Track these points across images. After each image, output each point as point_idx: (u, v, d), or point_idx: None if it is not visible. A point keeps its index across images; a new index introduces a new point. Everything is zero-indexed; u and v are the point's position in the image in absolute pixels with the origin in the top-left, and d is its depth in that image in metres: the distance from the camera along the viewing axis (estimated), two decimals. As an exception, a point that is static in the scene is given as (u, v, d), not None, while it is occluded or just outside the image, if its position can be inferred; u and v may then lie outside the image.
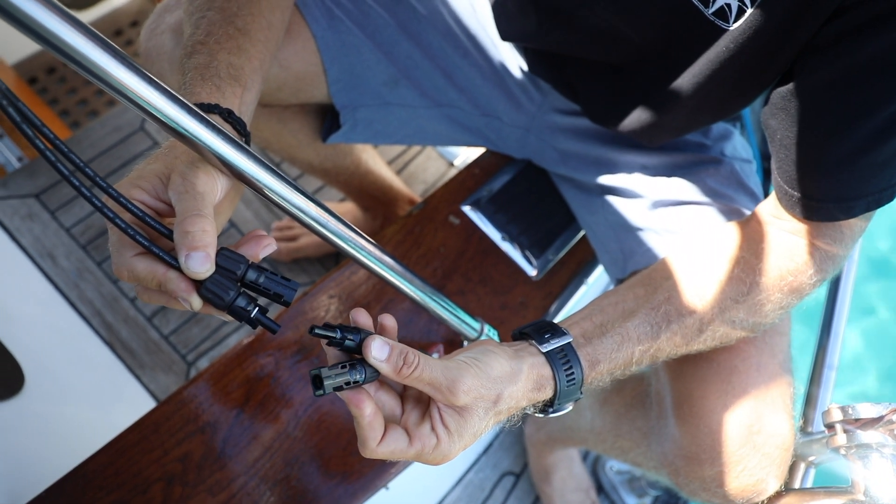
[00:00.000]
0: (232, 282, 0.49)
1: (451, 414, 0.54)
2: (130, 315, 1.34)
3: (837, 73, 0.61)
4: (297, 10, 0.87)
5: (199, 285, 0.48)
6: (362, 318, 0.56)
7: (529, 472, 1.42)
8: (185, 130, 0.45)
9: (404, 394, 0.58)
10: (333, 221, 0.55)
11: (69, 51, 0.38)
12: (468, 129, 1.03)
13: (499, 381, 0.56)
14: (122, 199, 0.48)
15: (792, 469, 0.79)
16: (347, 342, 0.53)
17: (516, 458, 1.45)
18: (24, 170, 1.42)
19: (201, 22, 0.63)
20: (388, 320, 0.59)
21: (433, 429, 0.54)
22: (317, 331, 0.52)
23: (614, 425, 1.01)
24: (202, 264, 0.46)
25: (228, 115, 0.56)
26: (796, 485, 0.80)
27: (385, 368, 0.52)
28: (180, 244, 0.46)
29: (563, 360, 0.61)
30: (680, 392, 0.81)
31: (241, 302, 0.49)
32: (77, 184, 0.46)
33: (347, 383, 0.52)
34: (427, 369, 0.52)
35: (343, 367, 0.52)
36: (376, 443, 0.53)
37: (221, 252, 0.49)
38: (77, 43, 0.38)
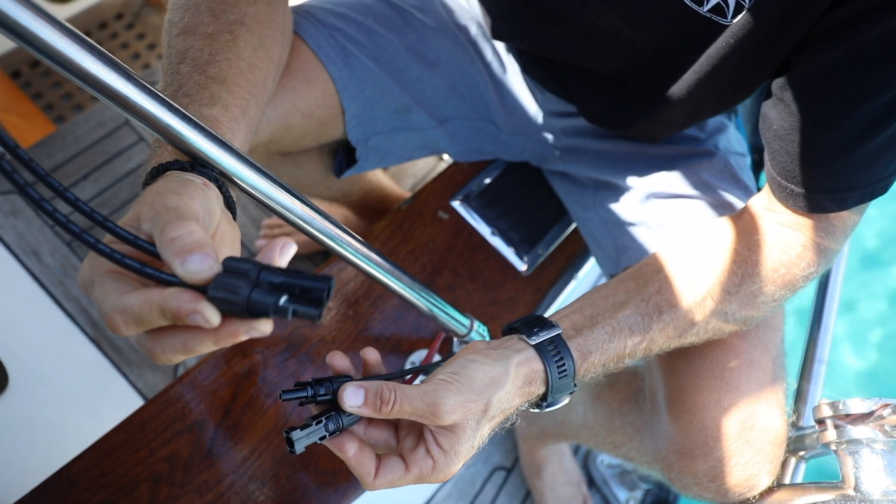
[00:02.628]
0: (244, 280, 0.38)
1: (443, 434, 0.54)
2: (117, 312, 1.32)
3: (832, 62, 0.61)
4: (313, 55, 0.84)
5: (204, 295, 0.38)
6: (338, 361, 0.57)
7: (521, 467, 1.42)
8: (167, 125, 0.44)
9: (399, 421, 0.57)
10: (319, 219, 0.54)
11: (42, 46, 0.37)
12: (467, 140, 1.02)
13: (484, 390, 0.56)
14: (95, 214, 0.41)
15: (782, 464, 0.79)
16: (320, 398, 0.53)
17: (507, 452, 1.45)
18: (7, 165, 1.39)
19: (174, 78, 0.59)
20: (370, 354, 0.59)
21: (428, 451, 0.54)
22: (284, 397, 0.52)
23: (607, 420, 1.01)
24: (202, 262, 0.38)
25: (192, 169, 0.49)
26: (786, 479, 0.80)
27: (364, 412, 0.52)
28: (170, 255, 0.38)
29: (553, 353, 0.61)
30: (673, 388, 0.81)
31: (258, 295, 0.37)
32: (36, 196, 0.39)
33: (322, 438, 0.52)
34: (406, 401, 0.52)
35: (318, 421, 0.52)
36: (371, 477, 0.53)
37: (226, 261, 0.40)
38: (51, 38, 0.37)
